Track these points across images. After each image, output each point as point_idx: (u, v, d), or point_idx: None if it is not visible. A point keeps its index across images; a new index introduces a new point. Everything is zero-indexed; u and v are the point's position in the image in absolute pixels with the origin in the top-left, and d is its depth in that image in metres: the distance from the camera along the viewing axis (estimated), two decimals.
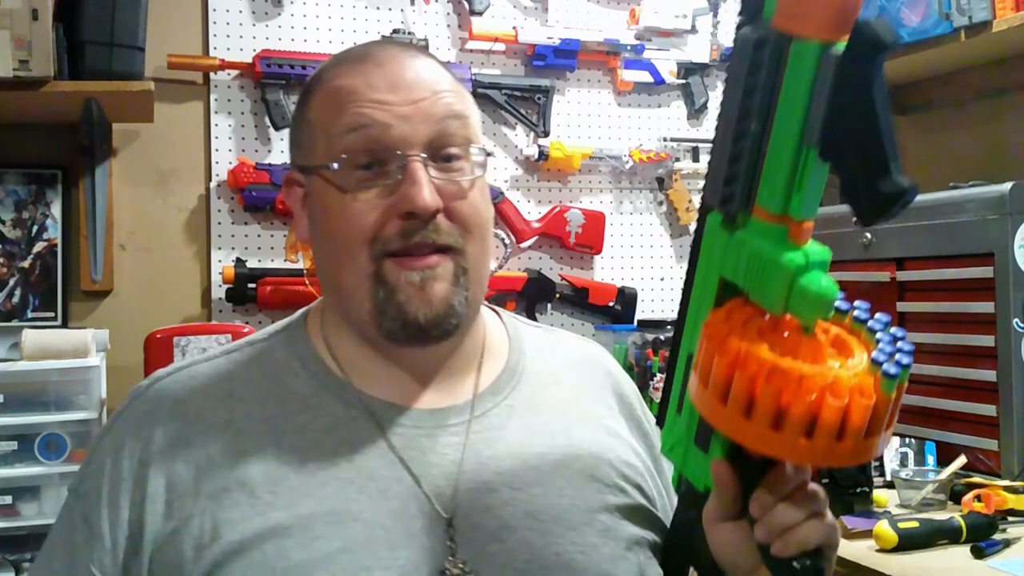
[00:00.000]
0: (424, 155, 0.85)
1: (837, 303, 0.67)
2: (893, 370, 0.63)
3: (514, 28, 2.46)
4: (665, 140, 2.63)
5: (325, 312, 0.94)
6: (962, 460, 1.78)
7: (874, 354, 0.64)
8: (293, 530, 0.81)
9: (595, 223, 2.54)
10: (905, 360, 0.64)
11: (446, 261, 0.85)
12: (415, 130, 0.85)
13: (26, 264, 2.17)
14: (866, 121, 0.59)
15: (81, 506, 0.86)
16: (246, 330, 2.04)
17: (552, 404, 0.95)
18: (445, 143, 0.86)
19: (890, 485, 1.81)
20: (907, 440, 1.90)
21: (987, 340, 1.81)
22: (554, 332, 1.06)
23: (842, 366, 0.65)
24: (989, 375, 1.81)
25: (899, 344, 0.65)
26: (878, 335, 0.67)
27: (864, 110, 0.58)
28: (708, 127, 2.71)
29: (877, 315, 0.69)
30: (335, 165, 0.85)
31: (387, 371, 0.90)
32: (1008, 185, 1.79)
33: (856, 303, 0.69)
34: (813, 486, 0.74)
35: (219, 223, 2.29)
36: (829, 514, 0.74)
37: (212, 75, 2.28)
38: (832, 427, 0.63)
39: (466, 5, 2.43)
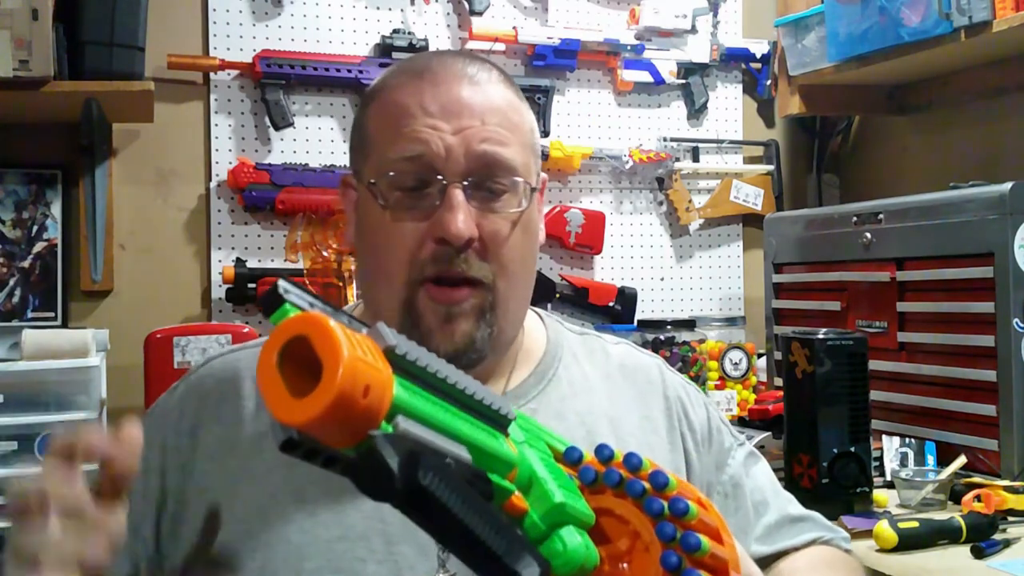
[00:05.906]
0: (465, 183, 0.86)
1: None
2: None
3: (514, 28, 2.46)
4: (665, 140, 2.63)
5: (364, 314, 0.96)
6: (962, 460, 1.78)
7: None
8: (296, 514, 0.84)
9: (595, 223, 2.54)
10: None
11: (474, 296, 0.87)
12: (457, 159, 0.86)
13: (26, 264, 2.17)
14: None
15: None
16: (246, 331, 2.04)
17: (579, 412, 0.94)
18: (487, 176, 0.87)
19: (890, 485, 1.81)
20: (907, 440, 1.90)
21: (987, 340, 1.81)
22: (601, 339, 1.04)
23: None
24: (989, 375, 1.81)
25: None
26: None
27: None
28: (708, 127, 2.71)
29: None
30: (383, 183, 0.87)
31: None
32: (1008, 185, 1.79)
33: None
34: None
35: (219, 223, 2.29)
36: None
37: (212, 75, 2.28)
38: None
39: (466, 5, 2.43)
